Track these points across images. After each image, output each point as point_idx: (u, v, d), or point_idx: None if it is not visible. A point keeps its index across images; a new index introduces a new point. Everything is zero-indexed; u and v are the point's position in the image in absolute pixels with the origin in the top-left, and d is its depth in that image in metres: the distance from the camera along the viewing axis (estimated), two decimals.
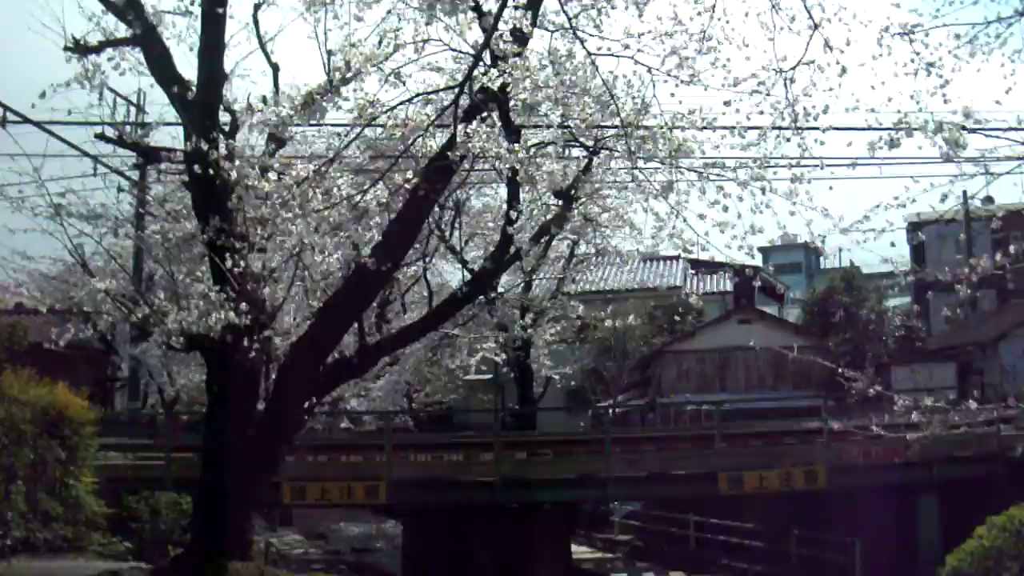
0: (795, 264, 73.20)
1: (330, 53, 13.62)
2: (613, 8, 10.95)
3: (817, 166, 11.74)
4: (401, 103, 11.26)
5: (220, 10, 13.03)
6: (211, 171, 11.60)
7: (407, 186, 10.53)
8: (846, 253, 61.65)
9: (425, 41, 10.33)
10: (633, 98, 12.47)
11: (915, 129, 10.33)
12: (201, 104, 12.94)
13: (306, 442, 22.28)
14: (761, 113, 11.66)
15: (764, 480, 24.94)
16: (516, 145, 10.88)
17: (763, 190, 11.96)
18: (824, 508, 26.19)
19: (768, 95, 11.42)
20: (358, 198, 10.47)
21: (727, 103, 11.34)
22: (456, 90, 9.69)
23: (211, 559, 13.37)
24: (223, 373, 13.66)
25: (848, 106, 11.23)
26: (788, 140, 11.78)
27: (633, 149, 11.84)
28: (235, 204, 12.48)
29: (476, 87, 10.21)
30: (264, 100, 13.88)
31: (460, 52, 11.56)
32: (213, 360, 13.89)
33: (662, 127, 11.76)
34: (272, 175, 11.08)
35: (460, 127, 9.59)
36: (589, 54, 10.63)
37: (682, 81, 11.38)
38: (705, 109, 11.97)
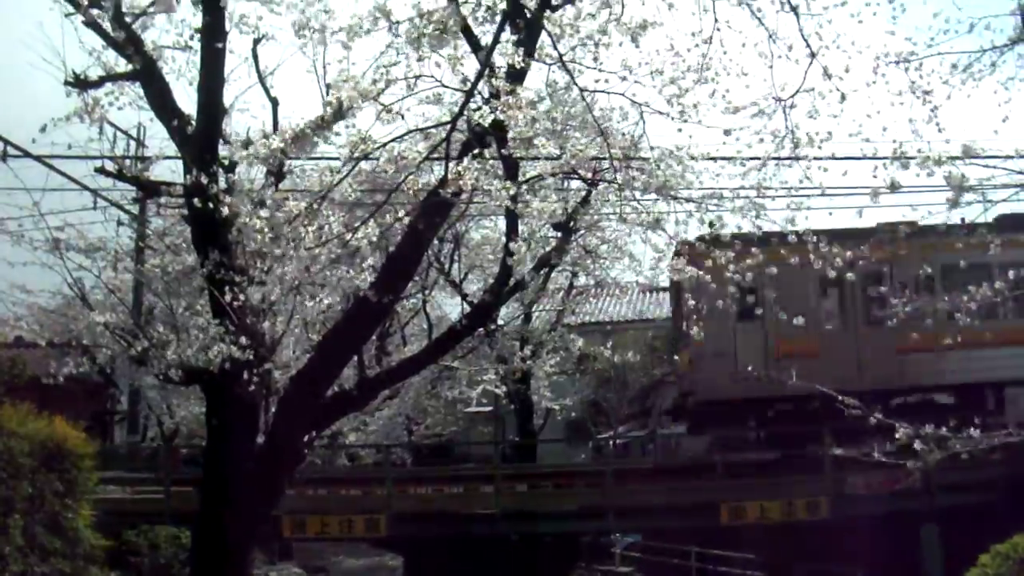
0: None
1: (328, 87, 13.69)
2: (609, 41, 10.97)
3: (818, 193, 11.76)
4: (393, 140, 11.30)
5: (219, 45, 13.10)
6: (210, 205, 11.62)
7: (398, 224, 10.54)
8: None
9: (417, 77, 10.36)
10: (624, 133, 12.50)
11: (911, 158, 10.38)
12: (200, 138, 13.00)
13: (306, 475, 22.23)
14: (761, 141, 11.71)
15: (766, 511, 24.87)
16: (508, 183, 10.91)
17: (757, 214, 12.02)
18: (827, 537, 26.06)
19: (768, 122, 11.46)
20: (349, 236, 10.45)
21: (727, 132, 11.38)
22: (448, 126, 9.70)
23: None
24: (222, 406, 13.64)
25: (851, 132, 11.28)
26: (789, 166, 11.82)
27: (622, 183, 11.89)
28: (234, 237, 12.53)
29: (473, 122, 10.25)
30: (264, 135, 13.98)
31: (452, 88, 11.61)
32: (212, 393, 13.88)
33: (655, 161, 11.81)
34: (265, 212, 11.10)
35: (452, 164, 9.60)
36: (581, 90, 10.68)
37: (680, 114, 11.41)
38: (704, 139, 12.01)
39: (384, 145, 10.16)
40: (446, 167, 9.42)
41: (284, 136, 10.06)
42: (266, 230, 10.20)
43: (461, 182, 9.60)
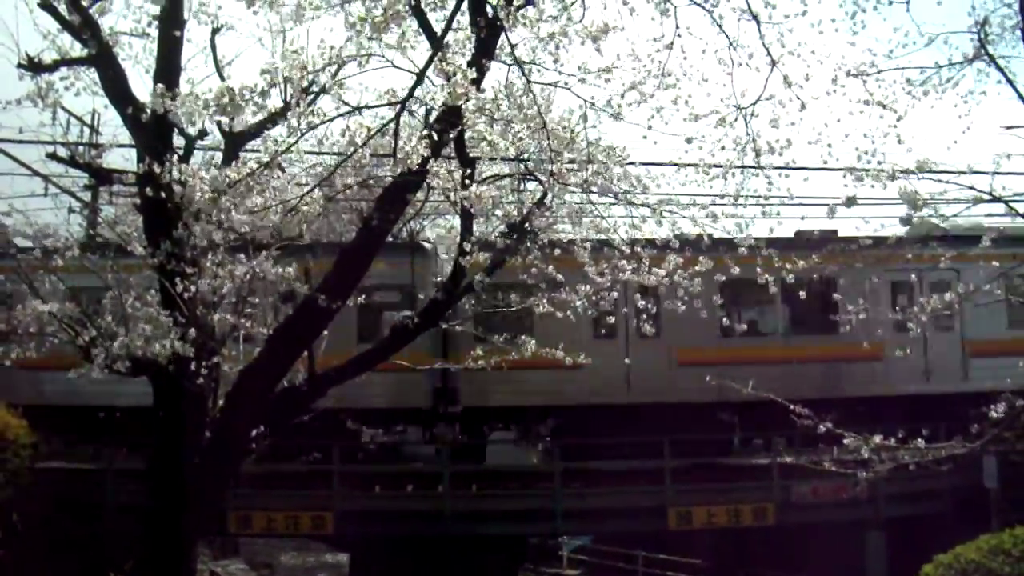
0: None
1: (286, 80, 13.56)
2: (570, 43, 10.96)
3: (786, 202, 11.85)
4: (342, 115, 11.20)
5: (177, 33, 12.97)
6: (163, 194, 11.50)
7: (344, 193, 10.46)
8: None
9: (369, 56, 10.26)
10: (589, 127, 12.50)
11: (866, 170, 10.46)
12: (155, 127, 12.84)
13: (253, 471, 22.06)
14: (723, 149, 11.76)
15: (712, 516, 25.01)
16: (468, 180, 10.87)
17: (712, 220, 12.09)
18: (773, 543, 26.27)
19: (731, 126, 11.50)
20: (293, 202, 10.33)
21: (689, 140, 11.41)
22: (399, 105, 9.62)
23: None
24: (170, 399, 13.50)
25: (810, 139, 11.35)
26: (755, 175, 11.88)
27: (589, 181, 11.89)
28: (179, 233, 12.39)
29: (432, 118, 10.20)
30: (220, 126, 13.86)
31: (402, 69, 11.54)
32: (160, 386, 13.72)
33: (617, 160, 11.82)
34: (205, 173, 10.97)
35: (401, 143, 9.54)
36: (533, 94, 10.67)
37: (650, 119, 11.43)
38: (668, 145, 12.08)
39: (332, 120, 10.10)
40: (395, 146, 9.35)
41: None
42: (207, 191, 10.05)
43: (433, 181, 9.55)
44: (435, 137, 9.90)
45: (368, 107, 10.84)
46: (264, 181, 10.50)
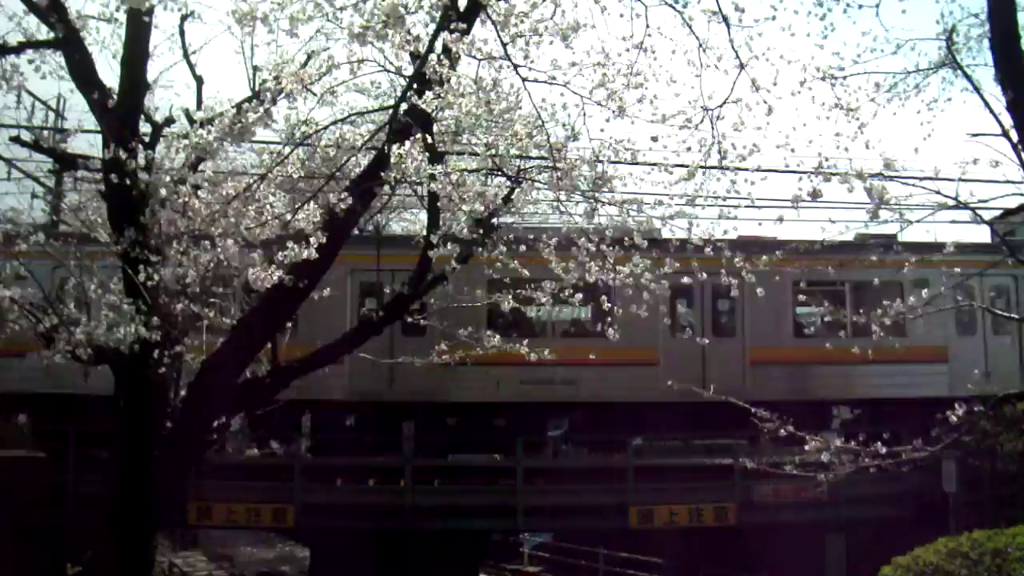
0: None
1: (256, 69, 13.51)
2: (541, 38, 10.95)
3: (748, 204, 11.86)
4: (334, 122, 11.18)
5: (146, 19, 12.84)
6: (128, 181, 11.41)
7: (342, 206, 10.45)
8: None
9: (360, 62, 10.26)
10: (564, 125, 12.50)
11: (835, 174, 10.51)
12: (121, 113, 12.72)
13: (214, 462, 21.94)
14: (688, 150, 11.77)
15: (674, 515, 25.12)
16: (442, 166, 10.87)
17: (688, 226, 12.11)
18: (734, 544, 26.39)
19: (695, 131, 11.51)
20: (289, 217, 10.37)
21: (654, 139, 11.42)
22: (391, 111, 9.65)
23: None
24: (132, 388, 13.39)
25: (778, 143, 11.39)
26: (719, 179, 11.90)
27: (557, 179, 11.89)
28: (146, 219, 12.29)
29: (405, 108, 10.17)
30: (187, 113, 13.76)
31: (394, 72, 11.50)
32: (122, 374, 13.61)
33: (596, 160, 11.82)
34: (204, 193, 10.93)
35: (393, 147, 9.55)
36: (523, 79, 10.63)
37: (613, 112, 11.42)
38: (632, 145, 12.05)
39: (325, 128, 10.08)
40: (388, 148, 9.34)
41: (224, 121, 9.92)
42: (202, 211, 10.05)
43: (404, 165, 9.55)
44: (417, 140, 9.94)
45: (362, 113, 10.86)
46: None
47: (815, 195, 10.42)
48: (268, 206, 10.27)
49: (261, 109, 9.93)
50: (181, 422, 13.39)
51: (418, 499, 24.70)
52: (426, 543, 24.81)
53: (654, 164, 12.40)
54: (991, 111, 11.35)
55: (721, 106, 11.34)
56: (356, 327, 14.78)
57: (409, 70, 10.20)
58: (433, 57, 9.43)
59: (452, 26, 9.51)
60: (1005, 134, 11.15)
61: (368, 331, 14.46)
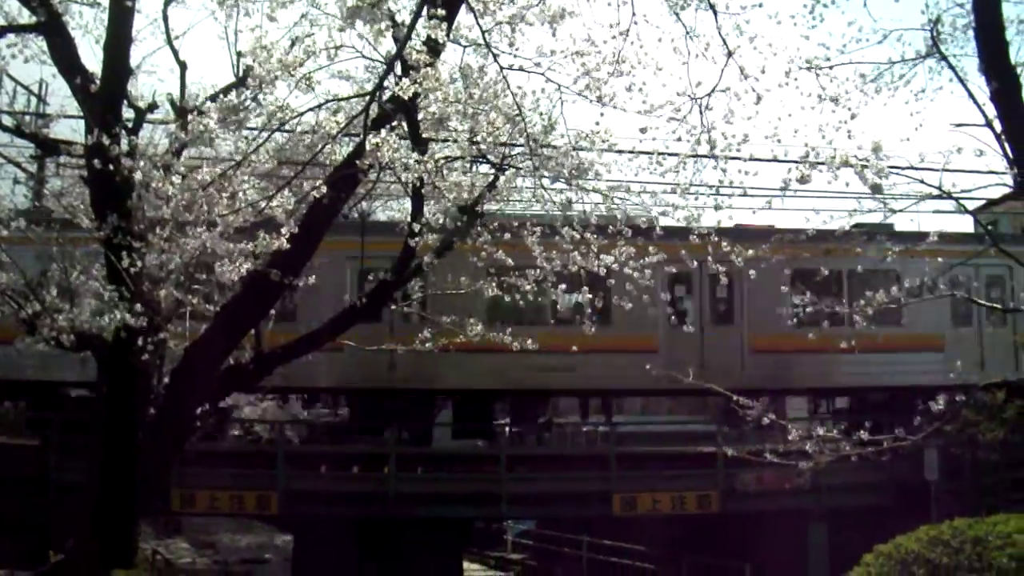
0: None
1: (239, 55, 13.44)
2: (529, 25, 10.94)
3: (741, 193, 11.82)
4: (311, 109, 11.14)
5: (128, 3, 12.77)
6: (111, 167, 11.35)
7: (315, 195, 10.40)
8: None
9: (338, 48, 10.22)
10: (541, 114, 12.48)
11: (822, 164, 10.53)
12: (104, 98, 12.66)
13: (197, 449, 21.89)
14: (678, 140, 11.74)
15: (657, 503, 25.18)
16: (423, 157, 10.82)
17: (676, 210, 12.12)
18: (717, 531, 26.49)
19: (683, 121, 11.47)
20: (263, 204, 10.31)
21: (643, 130, 11.39)
22: (367, 98, 9.60)
23: (94, 566, 13.02)
24: (115, 375, 13.35)
25: (766, 134, 11.37)
26: (714, 167, 11.86)
27: (538, 166, 11.87)
28: (135, 203, 12.24)
29: (386, 96, 10.14)
30: (171, 100, 13.70)
31: (373, 60, 11.47)
32: (105, 361, 13.57)
33: (573, 148, 11.79)
34: (176, 178, 10.87)
35: (369, 136, 9.50)
36: (501, 68, 10.60)
37: (595, 100, 11.40)
38: (621, 134, 12.03)
39: (302, 115, 10.04)
40: (364, 138, 9.30)
41: (218, 107, 9.89)
42: (177, 197, 10.00)
43: (379, 154, 9.51)
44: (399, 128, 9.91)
45: (339, 99, 10.80)
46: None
47: (804, 180, 10.44)
48: (242, 193, 10.20)
49: (250, 96, 9.90)
50: (165, 409, 13.36)
51: (402, 486, 24.68)
52: (410, 530, 24.81)
53: (643, 153, 12.37)
54: (975, 101, 11.38)
55: (709, 95, 11.32)
56: (341, 314, 14.75)
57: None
58: (414, 43, 9.39)
59: (432, 12, 9.47)
60: (989, 124, 11.17)
61: (351, 318, 14.43)
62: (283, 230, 10.30)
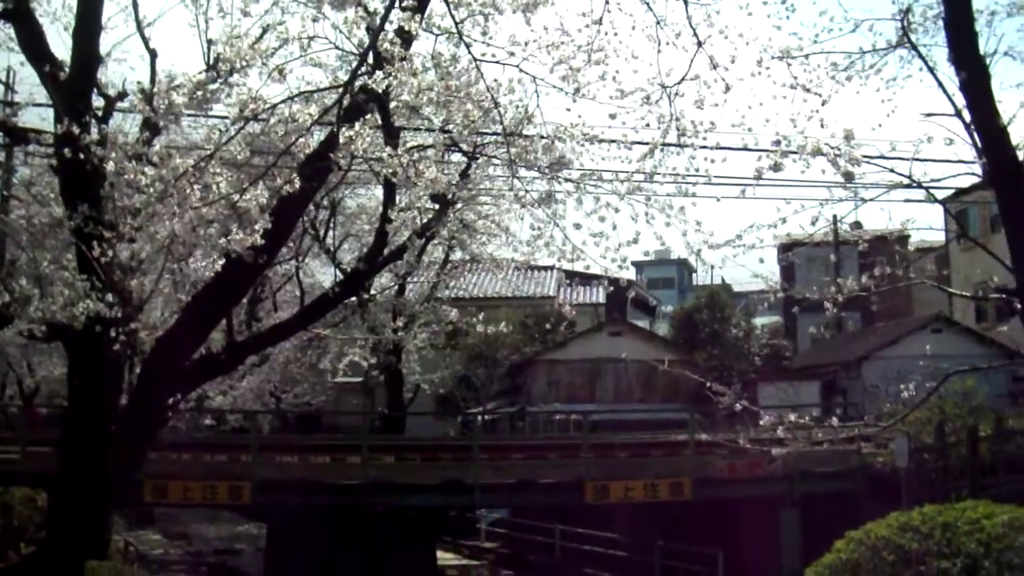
0: (668, 279, 74.90)
1: (210, 42, 13.37)
2: (500, 13, 10.91)
3: (705, 181, 11.87)
4: (284, 100, 11.09)
5: None
6: (82, 156, 11.27)
7: (289, 189, 10.36)
8: (717, 270, 63.36)
9: (311, 38, 10.17)
10: (516, 107, 12.46)
11: (793, 152, 10.59)
12: (74, 86, 12.57)
13: (169, 439, 21.80)
14: (647, 127, 11.77)
15: (629, 490, 25.23)
16: (398, 151, 10.80)
17: (647, 199, 12.13)
18: (689, 519, 26.57)
19: (653, 109, 11.51)
20: (236, 197, 10.25)
21: (613, 116, 11.41)
22: (340, 90, 9.57)
23: (66, 557, 12.97)
24: (86, 365, 13.28)
25: (734, 122, 11.41)
26: (677, 154, 11.90)
27: (513, 158, 11.85)
28: (106, 192, 12.16)
29: (358, 87, 10.10)
30: (141, 88, 13.61)
31: (345, 52, 11.41)
32: (76, 351, 13.49)
33: (543, 138, 11.78)
34: (149, 168, 10.81)
35: (343, 129, 9.48)
36: (474, 59, 10.57)
37: (570, 92, 11.40)
38: (592, 121, 12.03)
39: (275, 107, 9.99)
40: (337, 130, 9.27)
41: (184, 90, 9.82)
42: (150, 187, 9.93)
43: (353, 147, 9.49)
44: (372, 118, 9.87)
45: (313, 91, 10.75)
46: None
47: (776, 168, 10.49)
48: (215, 184, 10.13)
49: (220, 79, 9.85)
50: (136, 399, 13.31)
51: (374, 475, 24.66)
52: (383, 520, 24.81)
53: (612, 141, 12.39)
54: (945, 91, 11.47)
55: (679, 83, 11.35)
56: (313, 303, 14.73)
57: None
58: (387, 34, 9.37)
59: (404, 3, 9.45)
60: (958, 113, 11.26)
61: (324, 307, 14.42)
62: (256, 226, 10.25)
